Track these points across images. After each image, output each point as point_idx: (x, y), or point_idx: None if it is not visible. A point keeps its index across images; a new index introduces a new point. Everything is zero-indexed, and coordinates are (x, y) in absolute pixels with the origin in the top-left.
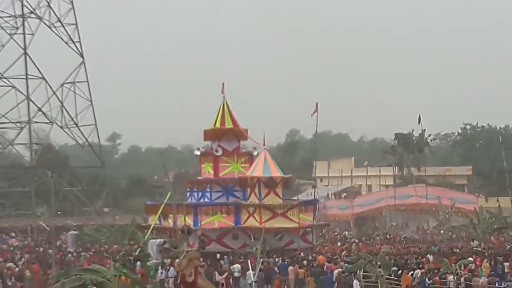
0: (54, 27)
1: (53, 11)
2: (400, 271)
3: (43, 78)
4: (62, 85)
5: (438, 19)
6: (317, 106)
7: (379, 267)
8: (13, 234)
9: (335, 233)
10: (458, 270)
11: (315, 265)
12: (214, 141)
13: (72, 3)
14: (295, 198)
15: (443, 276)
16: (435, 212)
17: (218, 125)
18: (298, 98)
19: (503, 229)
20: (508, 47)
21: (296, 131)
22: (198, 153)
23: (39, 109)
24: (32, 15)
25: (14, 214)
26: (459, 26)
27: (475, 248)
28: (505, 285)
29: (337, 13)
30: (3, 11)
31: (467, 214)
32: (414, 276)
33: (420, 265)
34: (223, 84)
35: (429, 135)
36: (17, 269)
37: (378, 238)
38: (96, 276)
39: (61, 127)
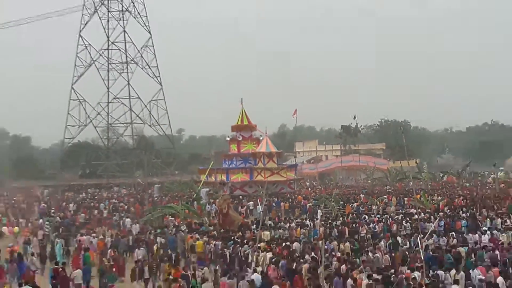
0: (145, 68)
1: (144, 59)
2: (344, 204)
3: (139, 98)
4: (149, 102)
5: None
6: (295, 111)
7: (333, 202)
8: (124, 187)
9: (307, 183)
10: (378, 203)
11: (296, 201)
12: (237, 132)
13: (154, 54)
14: (284, 163)
15: (369, 206)
16: (365, 170)
17: (239, 123)
18: (285, 103)
19: (403, 179)
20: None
21: (284, 125)
22: (228, 139)
23: (137, 115)
24: (132, 62)
25: (124, 176)
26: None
27: (388, 190)
28: (403, 211)
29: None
30: (115, 60)
31: (383, 171)
32: (352, 206)
33: (356, 200)
34: (241, 99)
35: (361, 126)
36: (126, 207)
37: (331, 185)
38: (171, 210)
39: (149, 125)
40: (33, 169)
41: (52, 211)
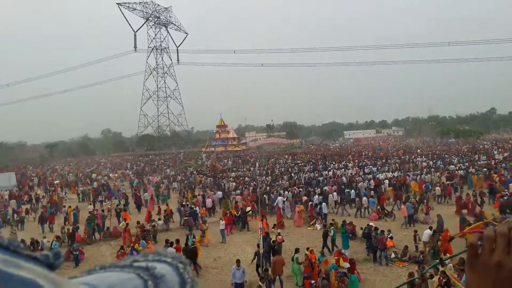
0: (170, 96)
1: (168, 87)
2: (268, 159)
3: (172, 113)
4: (178, 114)
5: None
6: (245, 118)
7: (263, 158)
8: (167, 156)
9: (251, 151)
10: (283, 158)
11: (246, 158)
12: (219, 127)
13: (177, 83)
14: (241, 142)
15: (279, 160)
16: (276, 144)
17: (220, 123)
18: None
19: (293, 147)
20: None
21: (241, 125)
22: (214, 131)
23: (171, 121)
24: (161, 89)
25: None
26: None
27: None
28: (295, 162)
29: None
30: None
31: (285, 145)
32: (271, 161)
33: (273, 157)
34: (220, 114)
35: (275, 124)
36: (167, 163)
37: (262, 152)
38: (187, 164)
39: (178, 126)
40: (124, 147)
41: (133, 165)
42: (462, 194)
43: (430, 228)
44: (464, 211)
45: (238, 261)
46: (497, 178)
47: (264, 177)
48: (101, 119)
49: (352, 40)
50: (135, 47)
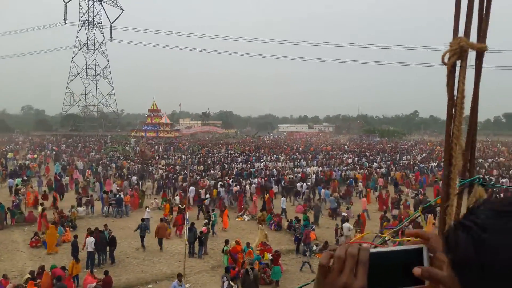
0: (100, 75)
1: (99, 65)
2: (201, 147)
3: (101, 93)
4: (107, 95)
5: None
6: (180, 104)
7: (195, 147)
8: (92, 138)
9: (185, 138)
10: (217, 148)
11: (179, 146)
12: (151, 112)
13: (108, 61)
14: (174, 128)
15: (212, 149)
16: (216, 134)
17: (152, 107)
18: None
19: (228, 137)
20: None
21: (175, 110)
22: (146, 115)
23: (99, 101)
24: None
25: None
26: None
27: (221, 142)
28: (228, 152)
29: None
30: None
31: (220, 133)
32: (204, 149)
33: (206, 146)
34: (153, 97)
35: (210, 112)
36: (93, 146)
37: (196, 140)
38: (114, 148)
39: (107, 106)
40: (46, 126)
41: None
42: (383, 192)
43: (347, 220)
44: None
45: (179, 276)
46: (414, 177)
47: (196, 166)
48: (22, 94)
49: (291, 36)
50: (65, 19)
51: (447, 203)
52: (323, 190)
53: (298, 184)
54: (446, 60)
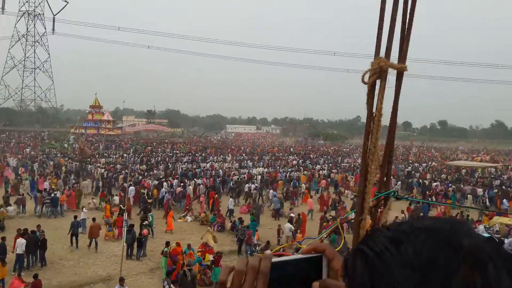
0: (39, 68)
1: (38, 57)
2: (146, 146)
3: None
4: (46, 89)
5: None
6: (123, 101)
7: (138, 145)
8: (28, 134)
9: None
10: (162, 147)
11: (120, 144)
12: (93, 108)
13: (49, 54)
14: (116, 126)
15: (157, 148)
16: (162, 133)
17: (94, 104)
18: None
19: (174, 137)
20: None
21: (118, 107)
22: (87, 111)
23: (38, 96)
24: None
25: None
26: None
27: (166, 141)
28: (174, 152)
29: None
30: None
31: (166, 132)
32: (148, 148)
33: (151, 146)
34: (96, 93)
35: (156, 110)
36: (29, 142)
37: (139, 138)
38: (52, 145)
39: (45, 101)
40: None
41: None
42: (325, 193)
43: (290, 221)
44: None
45: (122, 280)
46: (353, 179)
47: (138, 165)
48: None
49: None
50: (3, 8)
51: (361, 217)
52: (271, 191)
53: (247, 185)
54: (366, 79)
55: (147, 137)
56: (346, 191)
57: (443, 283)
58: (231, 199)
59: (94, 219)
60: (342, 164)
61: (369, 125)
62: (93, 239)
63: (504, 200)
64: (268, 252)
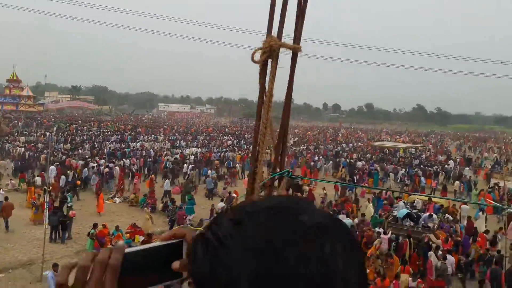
0: None
1: None
2: (70, 125)
3: None
4: None
5: None
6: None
7: (63, 123)
8: None
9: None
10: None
11: (43, 121)
12: (10, 82)
13: None
14: (38, 102)
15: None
16: (88, 110)
17: (11, 77)
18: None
19: (100, 115)
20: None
21: (39, 82)
22: (4, 86)
23: None
24: None
25: None
26: None
27: (92, 118)
28: (101, 130)
29: None
30: None
31: (91, 110)
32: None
33: (73, 123)
34: (14, 65)
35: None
36: None
37: (64, 116)
38: None
39: None
40: None
41: None
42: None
43: (222, 200)
44: None
45: (55, 266)
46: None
47: (62, 144)
48: None
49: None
50: None
51: (251, 197)
52: (209, 171)
53: (185, 165)
54: (257, 58)
55: (72, 115)
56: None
57: (279, 262)
58: (167, 180)
59: (6, 198)
60: None
61: (260, 106)
62: (6, 219)
63: (422, 178)
64: (120, 243)
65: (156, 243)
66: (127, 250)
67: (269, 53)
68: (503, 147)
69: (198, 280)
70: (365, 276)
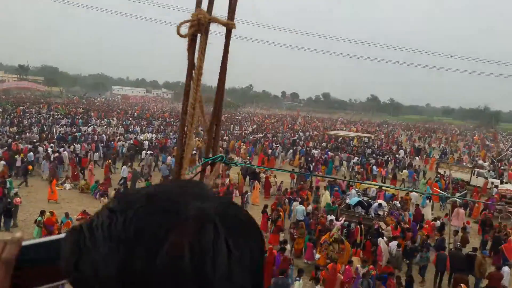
0: None
1: None
2: (17, 106)
3: None
4: None
5: None
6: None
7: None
8: None
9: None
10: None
11: None
12: None
13: None
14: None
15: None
16: (37, 91)
17: None
18: None
19: (60, 97)
20: None
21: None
22: None
23: None
24: None
25: None
26: None
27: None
28: (58, 115)
29: None
30: None
31: (41, 91)
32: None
33: (25, 103)
34: None
35: (30, 65)
36: None
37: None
38: None
39: None
40: None
41: None
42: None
43: None
44: None
45: None
46: (244, 148)
47: (8, 127)
48: None
49: None
50: None
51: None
52: (169, 157)
53: (144, 152)
54: (183, 32)
55: (19, 96)
56: (236, 157)
57: (148, 255)
58: (124, 166)
59: None
60: (234, 132)
61: (188, 84)
62: None
63: (374, 167)
64: (17, 235)
65: (60, 235)
66: (26, 242)
67: (197, 27)
68: (450, 138)
69: (66, 275)
70: (258, 269)
